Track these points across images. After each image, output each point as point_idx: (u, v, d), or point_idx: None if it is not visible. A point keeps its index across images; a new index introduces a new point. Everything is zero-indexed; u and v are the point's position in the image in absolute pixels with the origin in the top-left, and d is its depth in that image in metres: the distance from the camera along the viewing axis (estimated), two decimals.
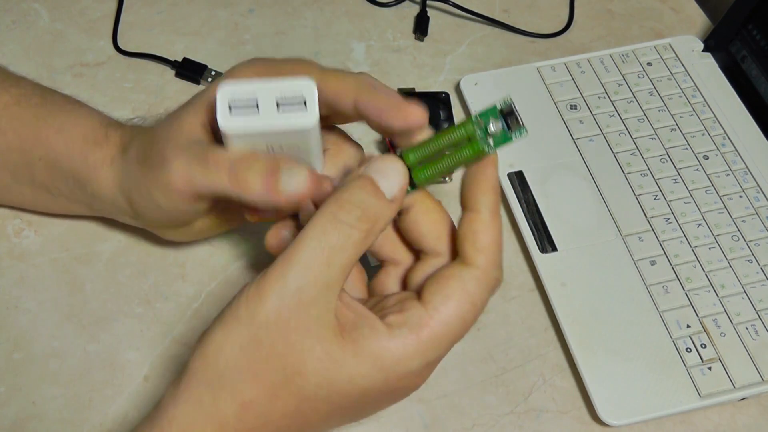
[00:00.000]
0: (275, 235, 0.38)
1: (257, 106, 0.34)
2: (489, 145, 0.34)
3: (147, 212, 0.42)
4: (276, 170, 0.35)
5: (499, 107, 0.34)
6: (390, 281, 0.38)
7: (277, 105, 0.34)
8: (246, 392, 0.32)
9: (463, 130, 0.34)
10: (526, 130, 0.34)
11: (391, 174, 0.34)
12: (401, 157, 0.35)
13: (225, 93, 0.34)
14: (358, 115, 0.36)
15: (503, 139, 0.34)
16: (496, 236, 0.34)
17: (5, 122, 0.45)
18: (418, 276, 0.36)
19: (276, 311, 0.31)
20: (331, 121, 0.39)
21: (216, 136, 0.39)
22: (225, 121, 0.34)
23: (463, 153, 0.34)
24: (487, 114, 0.34)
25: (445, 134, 0.34)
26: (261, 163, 0.36)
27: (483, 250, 0.34)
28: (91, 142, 0.44)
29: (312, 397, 0.32)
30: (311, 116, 0.34)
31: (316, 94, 0.34)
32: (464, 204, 0.35)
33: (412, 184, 0.35)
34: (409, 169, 0.35)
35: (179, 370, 0.47)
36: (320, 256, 0.31)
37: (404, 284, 0.38)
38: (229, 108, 0.34)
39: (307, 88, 0.34)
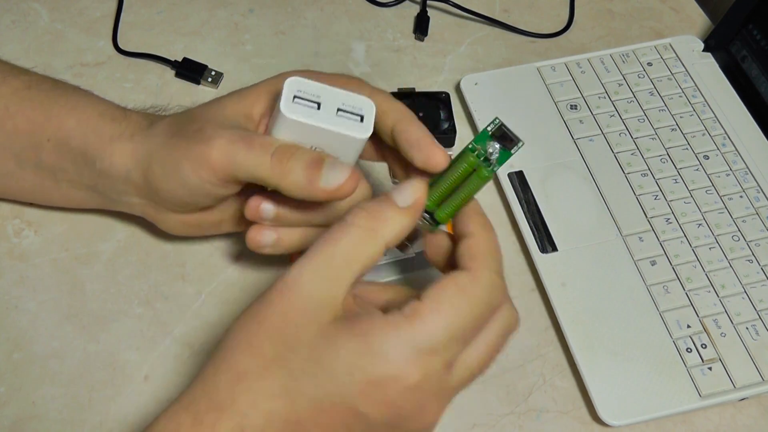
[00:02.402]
0: (255, 204, 0.40)
1: (318, 106, 0.36)
2: (493, 168, 0.37)
3: (164, 187, 0.42)
4: (320, 163, 0.37)
5: (490, 131, 0.37)
6: None
7: (337, 111, 0.37)
8: (240, 362, 0.33)
9: (466, 164, 0.37)
10: (522, 142, 0.37)
11: (406, 188, 0.35)
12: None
13: (293, 83, 0.37)
14: (392, 140, 0.39)
15: (504, 157, 0.37)
16: (489, 246, 0.36)
17: (15, 106, 0.45)
18: None
19: (278, 292, 0.33)
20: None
21: (259, 126, 0.41)
22: (287, 108, 0.36)
23: (473, 184, 0.37)
24: (482, 140, 0.37)
25: (452, 172, 0.37)
26: (306, 153, 0.37)
27: (475, 257, 0.35)
28: (109, 118, 0.45)
29: (299, 373, 0.32)
30: (366, 130, 0.37)
31: (374, 114, 0.37)
32: (458, 235, 0.37)
33: (436, 221, 0.38)
34: (431, 213, 0.38)
35: (179, 370, 0.48)
36: (321, 249, 0.34)
37: None
38: (293, 98, 0.36)
39: (367, 105, 0.37)
